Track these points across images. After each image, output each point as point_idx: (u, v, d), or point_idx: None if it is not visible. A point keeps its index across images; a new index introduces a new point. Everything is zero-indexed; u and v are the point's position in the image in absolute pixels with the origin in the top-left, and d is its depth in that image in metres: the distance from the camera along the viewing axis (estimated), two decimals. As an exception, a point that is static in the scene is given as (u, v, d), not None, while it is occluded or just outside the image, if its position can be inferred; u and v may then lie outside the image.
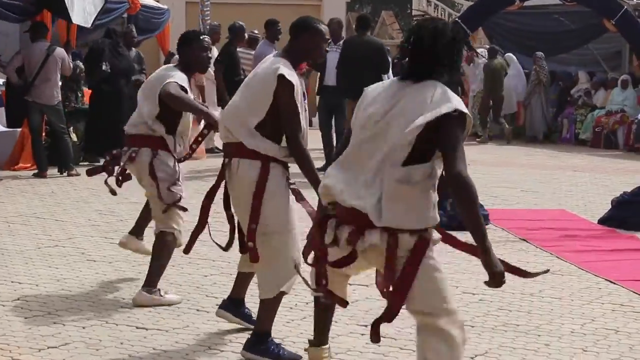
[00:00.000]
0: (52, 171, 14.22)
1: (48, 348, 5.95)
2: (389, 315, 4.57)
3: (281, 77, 5.64)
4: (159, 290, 7.11)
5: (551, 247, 9.48)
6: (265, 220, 5.70)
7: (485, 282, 4.37)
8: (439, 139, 4.35)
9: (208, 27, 19.51)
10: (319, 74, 15.95)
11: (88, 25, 14.73)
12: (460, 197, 4.29)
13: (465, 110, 4.39)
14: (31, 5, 13.71)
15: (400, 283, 4.48)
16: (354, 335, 6.36)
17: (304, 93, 5.99)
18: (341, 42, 15.29)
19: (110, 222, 10.38)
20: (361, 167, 4.51)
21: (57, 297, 7.18)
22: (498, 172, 15.95)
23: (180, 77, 7.08)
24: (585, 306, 7.27)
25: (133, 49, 16.23)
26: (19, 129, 14.78)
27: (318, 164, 15.67)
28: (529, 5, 17.76)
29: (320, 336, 5.55)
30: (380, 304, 7.07)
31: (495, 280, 4.32)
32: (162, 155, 7.16)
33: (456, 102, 4.39)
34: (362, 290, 7.52)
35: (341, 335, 6.33)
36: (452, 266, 8.53)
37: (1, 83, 16.05)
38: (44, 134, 14.43)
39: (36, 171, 14.18)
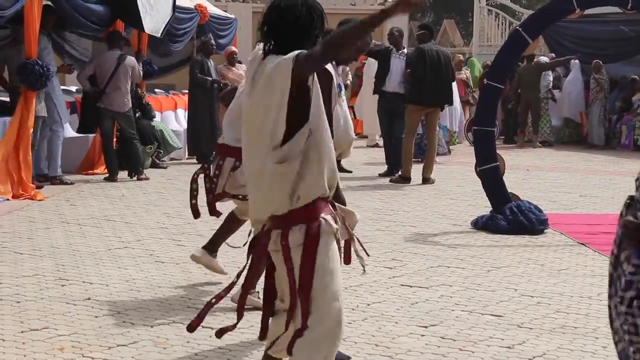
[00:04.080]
0: (123, 175, 14.53)
1: (117, 346, 6.07)
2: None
3: None
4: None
5: (610, 251, 9.49)
6: None
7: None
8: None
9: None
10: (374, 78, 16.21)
11: (158, 34, 15.01)
12: (331, 44, 4.11)
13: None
14: (107, 16, 14.00)
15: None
16: (414, 336, 6.44)
17: (338, 84, 6.02)
18: (404, 49, 15.48)
19: (178, 225, 10.58)
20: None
21: (126, 297, 7.35)
22: (557, 178, 15.98)
23: None
24: (643, 309, 7.31)
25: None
26: (92, 135, 15.11)
27: (380, 169, 15.91)
28: (589, 13, 17.73)
29: None
30: (440, 306, 7.22)
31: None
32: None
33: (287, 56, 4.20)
34: (422, 292, 7.65)
35: (401, 336, 6.42)
36: (510, 269, 8.64)
37: (75, 90, 16.42)
38: (114, 139, 14.76)
39: (107, 175, 14.50)
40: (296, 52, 4.19)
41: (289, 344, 4.37)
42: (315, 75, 4.31)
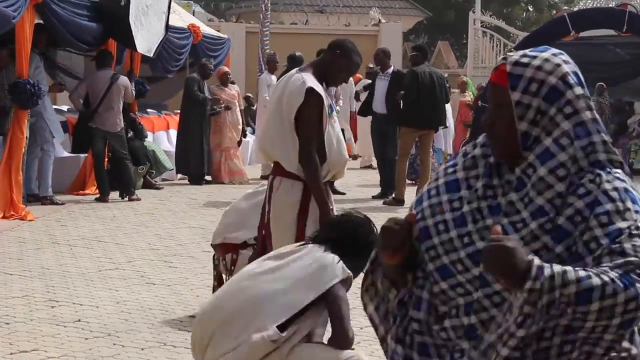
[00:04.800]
0: (114, 196, 14.46)
1: (107, 368, 6.06)
2: None
3: (310, 90, 5.73)
4: None
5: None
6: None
7: None
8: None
9: (266, 56, 19.80)
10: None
11: (151, 54, 14.97)
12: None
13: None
14: (99, 35, 13.94)
15: None
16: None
17: (330, 105, 5.98)
18: (390, 70, 15.36)
19: (169, 246, 10.53)
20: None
21: (116, 319, 7.31)
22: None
23: None
24: None
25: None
26: (83, 155, 15.02)
27: (374, 191, 15.86)
28: (584, 36, 17.77)
29: None
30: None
31: None
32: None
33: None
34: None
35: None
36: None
37: (66, 110, 16.36)
38: (106, 159, 14.69)
39: (98, 196, 14.42)
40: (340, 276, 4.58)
41: None
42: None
